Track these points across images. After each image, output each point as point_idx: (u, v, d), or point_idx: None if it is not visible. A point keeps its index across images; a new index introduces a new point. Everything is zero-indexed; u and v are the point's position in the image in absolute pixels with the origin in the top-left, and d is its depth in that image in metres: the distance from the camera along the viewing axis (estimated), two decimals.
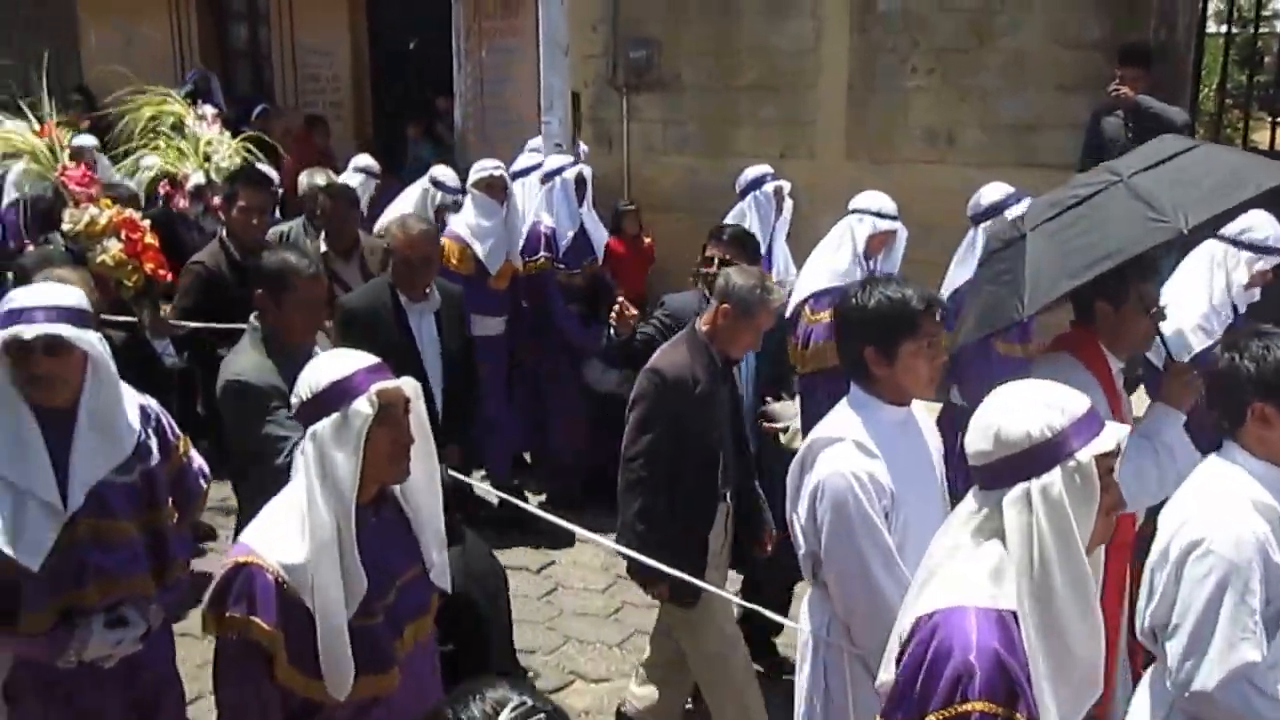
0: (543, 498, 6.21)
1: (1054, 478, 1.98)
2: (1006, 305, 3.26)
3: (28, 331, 2.67)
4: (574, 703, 4.63)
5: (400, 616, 2.54)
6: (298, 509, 2.40)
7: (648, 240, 8.15)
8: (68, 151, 5.11)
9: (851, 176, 8.18)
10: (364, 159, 7.78)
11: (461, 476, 4.05)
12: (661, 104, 9.01)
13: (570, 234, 6.30)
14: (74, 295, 2.85)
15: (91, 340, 2.80)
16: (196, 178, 5.13)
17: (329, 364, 2.47)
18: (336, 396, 2.39)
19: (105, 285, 4.23)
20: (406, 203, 6.84)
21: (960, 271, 5.13)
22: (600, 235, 6.69)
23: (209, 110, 5.31)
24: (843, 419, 2.84)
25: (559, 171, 6.44)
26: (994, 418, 2.08)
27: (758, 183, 6.20)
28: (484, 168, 6.38)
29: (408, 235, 4.52)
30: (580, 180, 6.45)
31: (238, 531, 3.34)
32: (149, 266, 4.60)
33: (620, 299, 4.88)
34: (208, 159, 5.19)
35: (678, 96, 8.95)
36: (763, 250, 6.04)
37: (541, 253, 6.22)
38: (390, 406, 2.42)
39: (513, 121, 9.64)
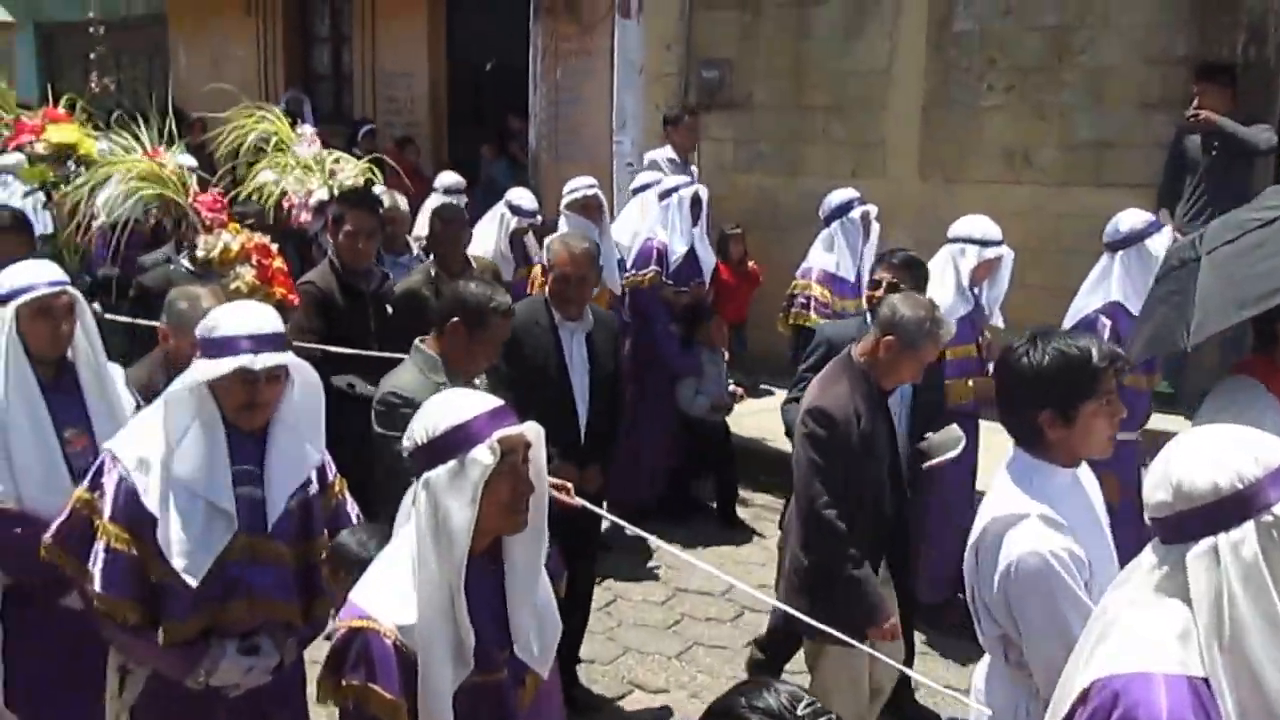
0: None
1: (1246, 533, 1.78)
2: (1174, 332, 3.11)
3: (256, 363, 2.73)
4: (631, 713, 4.65)
5: (520, 666, 2.39)
6: (407, 564, 2.26)
7: (752, 265, 8.10)
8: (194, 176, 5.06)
9: (924, 196, 8.11)
10: (449, 177, 7.78)
11: (590, 505, 3.87)
12: (733, 124, 8.99)
13: (681, 252, 6.35)
14: (275, 319, 2.90)
15: (299, 364, 2.91)
16: (320, 194, 5.06)
17: (448, 406, 2.31)
18: (455, 443, 2.23)
19: None
20: (486, 229, 6.85)
21: (1090, 299, 4.91)
22: (709, 258, 6.71)
23: (308, 130, 5.23)
24: (1018, 491, 2.59)
25: (676, 190, 6.48)
26: (1176, 464, 1.86)
27: (845, 208, 6.06)
28: (578, 188, 6.37)
29: (570, 253, 4.46)
30: (696, 200, 6.48)
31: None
32: (279, 292, 4.56)
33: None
34: (332, 175, 5.16)
35: (749, 116, 8.92)
36: (850, 277, 5.96)
37: (652, 266, 6.26)
38: (511, 454, 2.25)
39: (586, 141, 9.70)
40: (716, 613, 5.48)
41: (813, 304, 5.89)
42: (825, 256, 6.03)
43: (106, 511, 2.79)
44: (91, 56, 8.78)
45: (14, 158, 4.98)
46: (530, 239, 7.00)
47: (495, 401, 2.32)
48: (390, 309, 5.11)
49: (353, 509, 3.15)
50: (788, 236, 8.12)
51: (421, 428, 2.28)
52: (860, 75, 8.41)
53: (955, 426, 4.29)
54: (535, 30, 9.85)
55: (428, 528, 2.21)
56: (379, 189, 5.83)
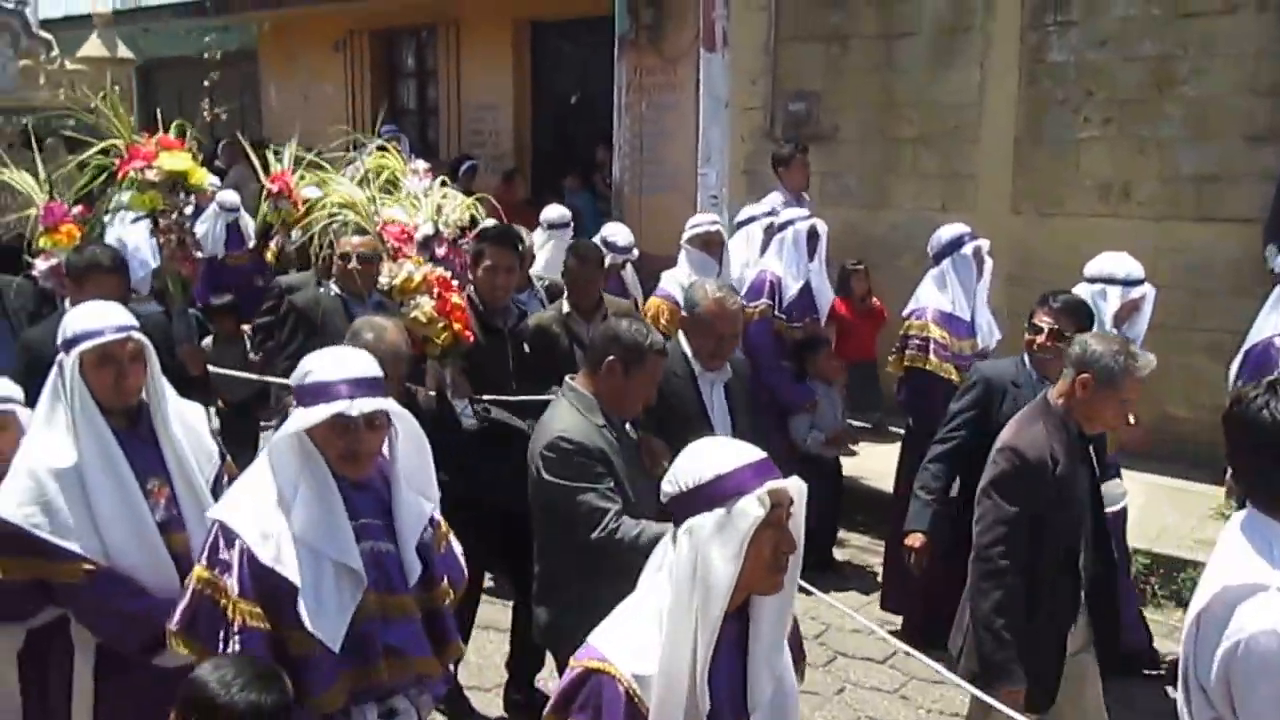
0: None
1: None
2: None
3: (353, 408, 2.60)
4: None
5: None
6: (654, 612, 2.16)
7: (876, 302, 7.83)
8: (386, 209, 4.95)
9: (1017, 230, 7.94)
10: (555, 211, 7.68)
11: None
12: (820, 156, 8.89)
13: (796, 287, 6.17)
14: (372, 364, 2.75)
15: (400, 412, 2.78)
16: (426, 229, 4.89)
17: (711, 454, 2.23)
18: (722, 491, 2.14)
19: (413, 341, 4.16)
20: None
21: (1264, 325, 4.82)
22: (826, 294, 6.55)
23: (421, 165, 5.12)
24: (1256, 559, 2.30)
25: (791, 223, 6.31)
26: None
27: (956, 243, 5.75)
28: (700, 223, 6.29)
29: (723, 309, 4.20)
30: (813, 234, 6.31)
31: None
32: (456, 327, 4.48)
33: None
34: (439, 211, 5.05)
35: (836, 149, 8.83)
36: (965, 316, 5.78)
37: (764, 299, 6.11)
38: (777, 508, 2.16)
39: (670, 173, 9.69)
40: (813, 658, 5.34)
41: (932, 346, 5.54)
42: (938, 295, 5.71)
43: (234, 588, 2.59)
44: (206, 84, 9.09)
45: (228, 197, 5.08)
46: (629, 273, 6.95)
47: (758, 453, 2.23)
48: (527, 346, 5.01)
49: (457, 548, 3.08)
50: (875, 271, 8.02)
51: (686, 474, 2.21)
52: (950, 107, 8.28)
53: (1119, 479, 4.15)
54: (620, 64, 9.87)
55: (685, 577, 2.12)
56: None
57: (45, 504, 2.86)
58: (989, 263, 5.94)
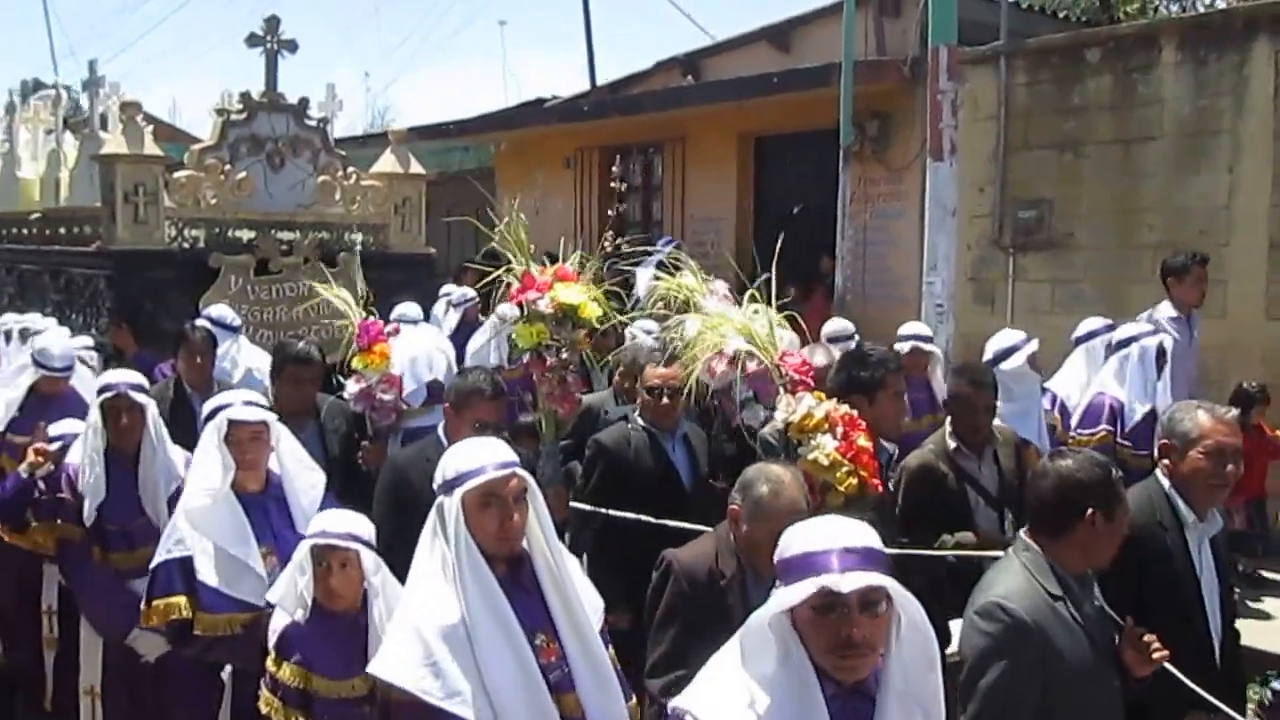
0: None
1: None
2: None
3: (844, 584, 2.04)
4: None
5: None
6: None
7: (1271, 431, 6.83)
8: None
9: (1272, 337, 7.46)
10: (837, 324, 7.26)
11: None
12: (1051, 264, 8.66)
13: (1142, 411, 5.48)
14: (868, 532, 2.17)
15: (903, 595, 2.21)
16: (736, 343, 4.38)
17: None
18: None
19: (811, 486, 3.58)
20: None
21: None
22: None
23: (720, 286, 4.67)
24: None
25: (1136, 339, 5.70)
26: None
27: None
28: (1013, 339, 5.71)
29: (1223, 424, 3.35)
30: (1160, 352, 5.67)
31: None
32: (863, 474, 3.76)
33: None
34: (752, 330, 4.86)
35: (1070, 256, 8.57)
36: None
37: (1103, 425, 5.51)
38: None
39: (894, 282, 9.61)
40: None
41: None
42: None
43: None
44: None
45: (509, 310, 4.68)
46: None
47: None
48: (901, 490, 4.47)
49: None
50: None
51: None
52: (1196, 211, 7.94)
53: None
54: (844, 175, 9.93)
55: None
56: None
57: (434, 666, 2.61)
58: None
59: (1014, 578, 2.82)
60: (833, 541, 2.10)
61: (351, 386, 5.15)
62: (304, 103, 8.32)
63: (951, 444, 4.57)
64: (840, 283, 10.14)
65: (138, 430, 4.25)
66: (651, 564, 3.45)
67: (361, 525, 3.30)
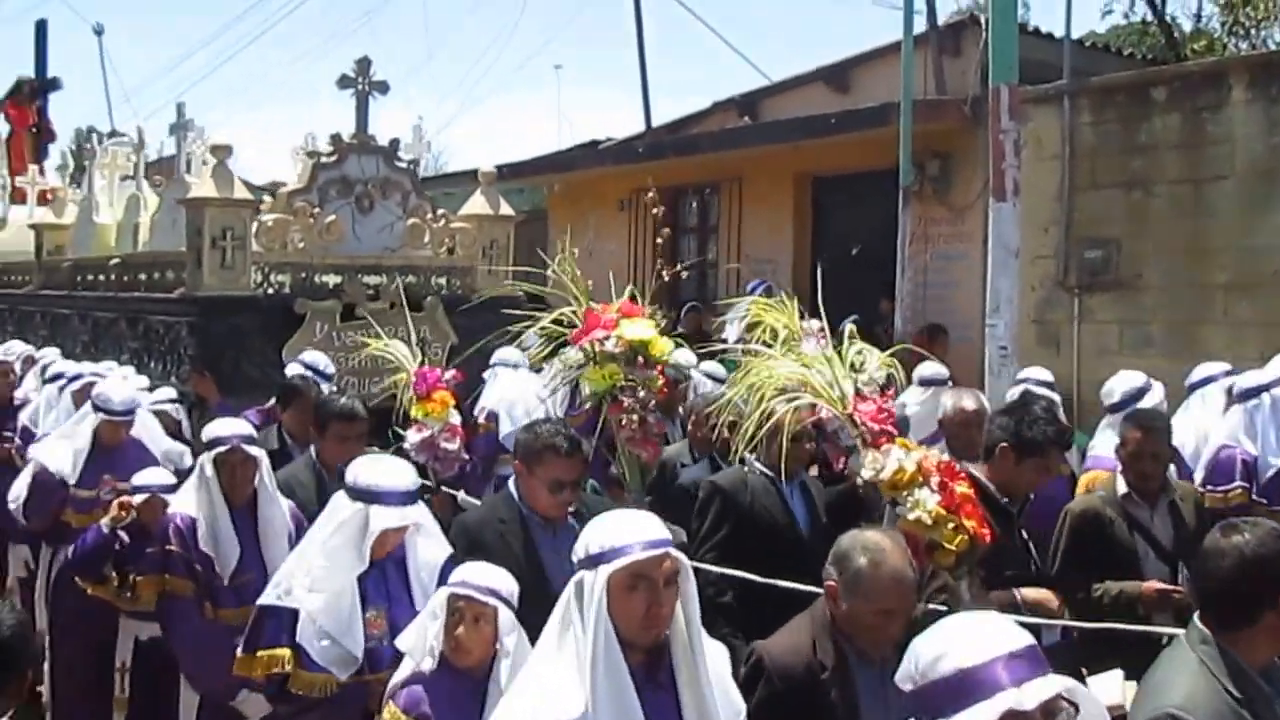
0: None
1: None
2: None
3: (1025, 699, 1.79)
4: None
5: None
6: None
7: None
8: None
9: None
10: (930, 368, 6.95)
11: None
12: (1119, 305, 8.46)
13: (1277, 465, 5.17)
14: (1022, 635, 1.92)
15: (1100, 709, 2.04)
16: (846, 387, 4.05)
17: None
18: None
19: (915, 548, 3.23)
20: None
21: None
22: None
23: (815, 324, 4.40)
24: None
25: (1265, 388, 5.28)
26: None
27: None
28: (1138, 381, 5.38)
29: None
30: None
31: None
32: (970, 525, 3.41)
33: None
34: (855, 369, 4.58)
35: (1138, 297, 8.37)
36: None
37: (1237, 482, 5.14)
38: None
39: (956, 325, 9.43)
40: None
41: None
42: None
43: None
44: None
45: (574, 355, 4.39)
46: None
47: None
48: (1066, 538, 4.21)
49: None
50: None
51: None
52: (1268, 252, 7.72)
53: None
54: (904, 215, 9.80)
55: None
56: None
57: None
58: None
59: (1192, 679, 2.41)
60: (989, 650, 1.83)
61: (413, 436, 4.92)
62: (394, 144, 8.09)
63: (1122, 490, 4.34)
64: (900, 325, 9.98)
65: (251, 484, 4.17)
66: (763, 621, 3.21)
67: (505, 582, 3.10)
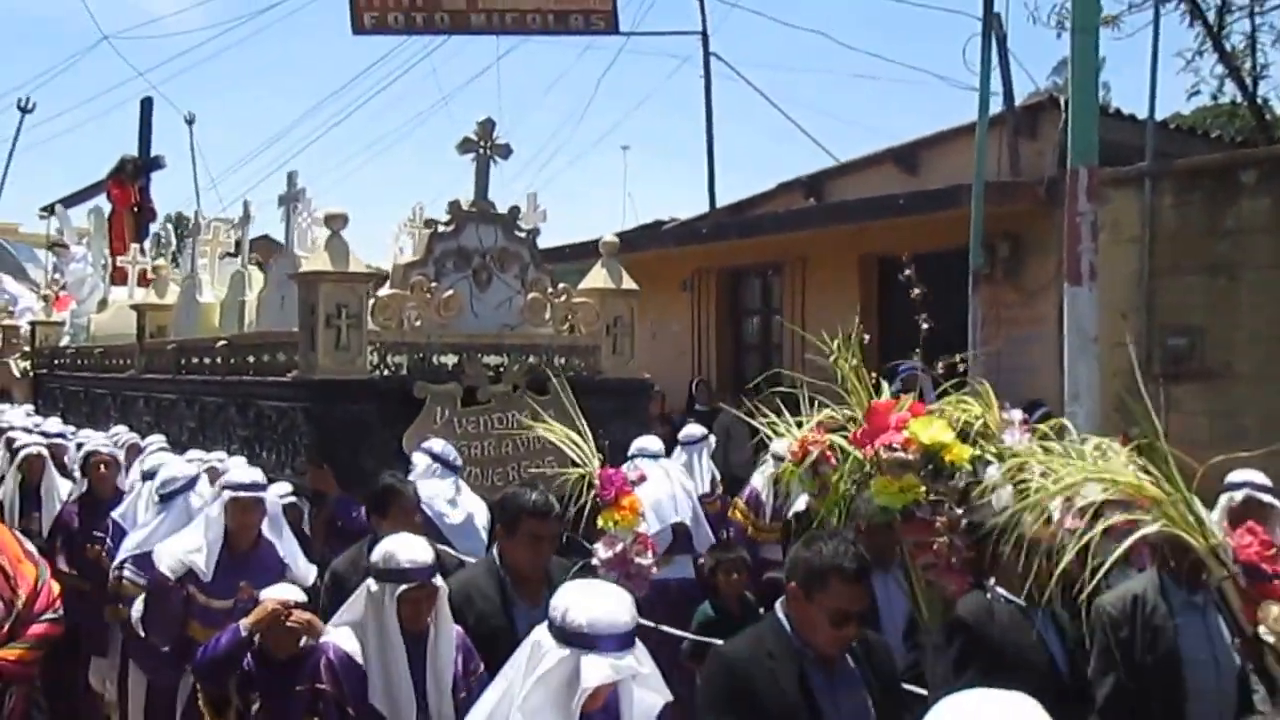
0: None
1: None
2: None
3: None
4: None
5: None
6: None
7: None
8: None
9: None
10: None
11: None
12: (1207, 395, 8.03)
13: None
14: None
15: None
16: (1091, 492, 3.35)
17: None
18: None
19: None
20: None
21: None
22: None
23: (1016, 414, 3.88)
24: None
25: None
26: None
27: None
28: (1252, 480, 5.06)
29: None
30: None
31: None
32: None
33: None
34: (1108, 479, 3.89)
35: (1228, 387, 7.95)
36: None
37: None
38: None
39: None
40: None
41: None
42: None
43: None
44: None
45: (780, 447, 3.93)
46: None
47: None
48: None
49: None
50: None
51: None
52: None
53: None
54: (974, 299, 9.49)
55: None
56: None
57: None
58: None
59: None
60: None
61: (602, 552, 4.22)
62: (514, 212, 7.45)
63: None
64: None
65: (428, 617, 3.54)
66: None
67: None
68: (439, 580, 3.57)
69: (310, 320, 6.49)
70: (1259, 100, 13.72)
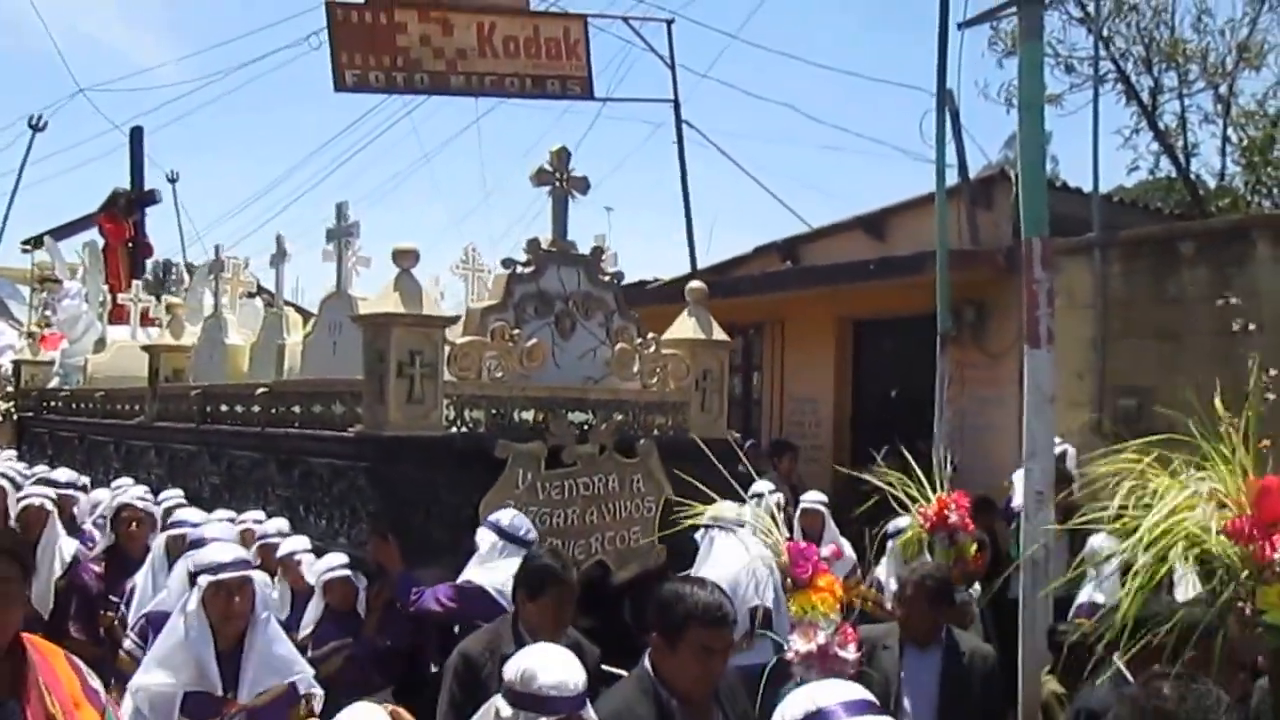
0: None
1: None
2: None
3: None
4: None
5: None
6: None
7: None
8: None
9: None
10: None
11: None
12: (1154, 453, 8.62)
13: None
14: None
15: None
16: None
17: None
18: None
19: None
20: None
21: None
22: None
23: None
24: None
25: None
26: None
27: None
28: None
29: None
30: None
31: None
32: None
33: None
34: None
35: (1173, 446, 8.53)
36: None
37: None
38: None
39: (994, 468, 9.62)
40: None
41: None
42: None
43: None
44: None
45: (1107, 544, 3.59)
46: None
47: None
48: None
49: None
50: None
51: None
52: None
53: None
54: (942, 361, 10.08)
55: None
56: None
57: None
58: None
59: None
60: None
61: (799, 643, 3.81)
62: (598, 253, 6.67)
63: None
64: (937, 466, 10.17)
65: None
66: None
67: None
68: (590, 713, 2.86)
69: (379, 368, 5.65)
70: (1191, 176, 14.53)
